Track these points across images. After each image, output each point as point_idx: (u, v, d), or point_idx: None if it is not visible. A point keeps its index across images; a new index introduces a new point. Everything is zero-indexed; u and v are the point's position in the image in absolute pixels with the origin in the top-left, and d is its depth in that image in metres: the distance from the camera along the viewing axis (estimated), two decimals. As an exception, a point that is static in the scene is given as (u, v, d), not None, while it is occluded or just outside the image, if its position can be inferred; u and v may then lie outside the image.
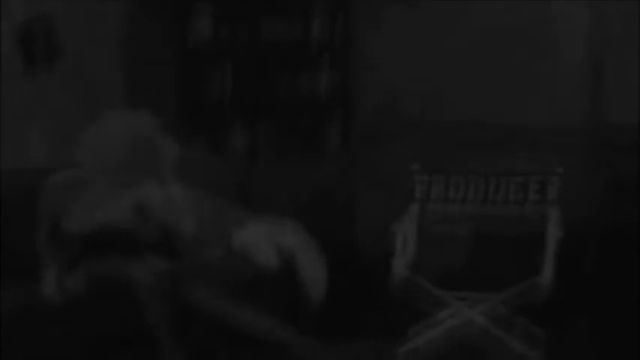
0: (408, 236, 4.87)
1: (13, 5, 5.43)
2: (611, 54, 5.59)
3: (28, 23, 5.52)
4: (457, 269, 4.83)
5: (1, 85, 5.33)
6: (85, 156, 4.51)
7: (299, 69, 6.06)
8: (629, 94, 5.49)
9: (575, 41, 5.69)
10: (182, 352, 4.37)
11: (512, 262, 4.79)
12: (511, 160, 5.18)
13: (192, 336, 4.42)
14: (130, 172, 4.50)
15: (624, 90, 5.51)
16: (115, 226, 4.45)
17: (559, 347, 4.77)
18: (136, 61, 5.90)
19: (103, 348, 4.33)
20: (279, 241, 4.81)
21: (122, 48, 5.90)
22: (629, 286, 4.96)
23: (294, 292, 4.78)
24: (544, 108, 5.61)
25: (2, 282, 4.46)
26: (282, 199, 5.55)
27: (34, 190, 4.56)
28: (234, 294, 4.57)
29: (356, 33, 6.06)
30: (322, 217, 5.29)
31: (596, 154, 5.55)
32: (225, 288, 4.57)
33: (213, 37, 5.89)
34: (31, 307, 4.37)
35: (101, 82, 5.77)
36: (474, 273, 4.82)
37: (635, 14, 5.50)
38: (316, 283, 4.80)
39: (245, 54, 5.96)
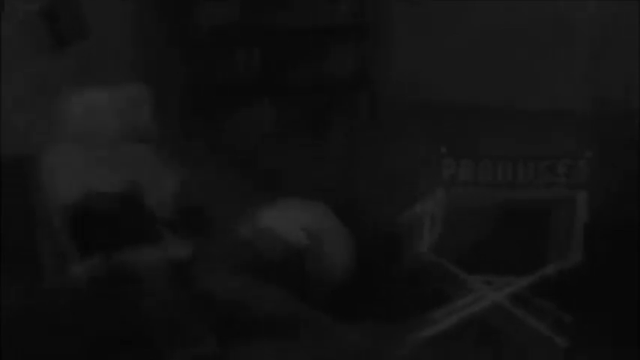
0: (434, 219, 4.85)
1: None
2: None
3: (52, 3, 5.52)
4: (483, 253, 4.80)
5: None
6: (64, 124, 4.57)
7: (325, 51, 6.07)
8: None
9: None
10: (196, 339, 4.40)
11: (538, 246, 4.77)
12: (539, 145, 5.16)
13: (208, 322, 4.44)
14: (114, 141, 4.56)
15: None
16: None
17: (585, 332, 4.74)
18: (159, 41, 5.90)
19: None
20: (307, 222, 4.83)
21: (144, 28, 5.90)
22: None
23: (319, 270, 4.80)
24: (573, 93, 5.59)
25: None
26: (308, 179, 5.56)
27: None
28: (258, 273, 4.59)
29: (382, 16, 6.07)
30: (349, 198, 5.27)
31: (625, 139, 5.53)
32: (249, 266, 4.59)
33: (240, 18, 5.87)
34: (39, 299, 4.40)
35: (121, 63, 5.77)
36: (499, 256, 4.79)
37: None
38: (341, 263, 4.82)
39: (272, 36, 5.96)
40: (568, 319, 4.82)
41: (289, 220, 4.88)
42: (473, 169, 4.97)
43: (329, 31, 6.08)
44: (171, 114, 5.81)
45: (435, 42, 5.97)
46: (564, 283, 4.72)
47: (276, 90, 6.00)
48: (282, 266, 4.76)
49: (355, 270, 4.89)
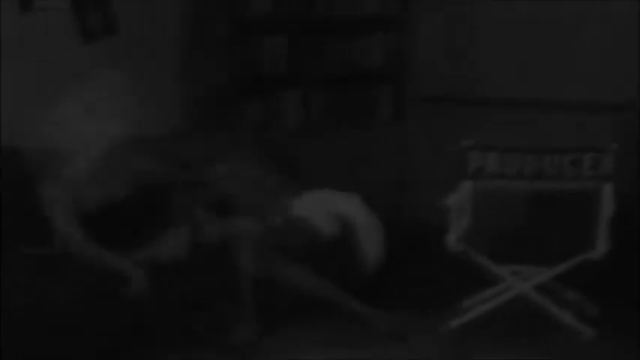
0: (462, 211, 4.91)
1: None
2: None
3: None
4: (510, 244, 4.87)
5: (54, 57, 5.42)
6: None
7: (353, 42, 6.13)
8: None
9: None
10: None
11: (565, 237, 4.83)
12: (565, 137, 5.22)
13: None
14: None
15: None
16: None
17: (612, 322, 4.81)
18: (192, 33, 5.96)
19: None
20: (339, 211, 4.93)
21: (179, 20, 5.96)
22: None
23: (351, 259, 4.89)
24: (598, 85, 5.65)
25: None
26: (336, 170, 5.63)
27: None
28: (292, 257, 4.70)
29: (409, 7, 6.13)
30: (375, 188, 5.34)
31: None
32: (284, 251, 4.70)
33: (271, 10, 5.92)
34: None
35: (157, 56, 5.84)
36: (527, 247, 4.86)
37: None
38: (373, 253, 4.91)
39: (301, 27, 6.01)
40: (595, 310, 4.89)
41: (322, 210, 4.97)
42: (499, 162, 5.02)
43: (358, 23, 6.12)
44: (206, 106, 5.88)
45: (462, 35, 6.03)
46: (591, 274, 4.80)
47: (304, 81, 6.05)
48: (315, 254, 4.86)
49: (387, 260, 4.97)
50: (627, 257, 4.95)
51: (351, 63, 6.13)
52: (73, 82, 5.13)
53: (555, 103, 5.71)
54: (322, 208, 5.01)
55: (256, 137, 5.64)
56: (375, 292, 4.95)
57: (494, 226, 4.92)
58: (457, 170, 5.06)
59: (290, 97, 6.05)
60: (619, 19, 5.73)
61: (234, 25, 5.86)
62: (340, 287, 4.75)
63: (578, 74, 5.80)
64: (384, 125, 6.20)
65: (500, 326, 4.83)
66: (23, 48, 5.31)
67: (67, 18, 5.52)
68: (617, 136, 5.08)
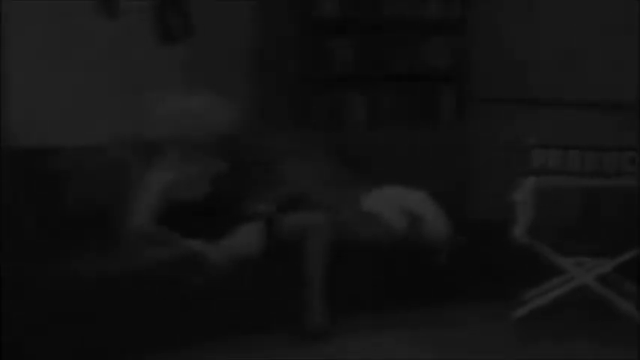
0: (527, 205, 5.16)
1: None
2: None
3: (163, 4, 5.90)
4: (573, 236, 5.12)
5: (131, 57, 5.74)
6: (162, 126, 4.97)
7: (418, 44, 6.40)
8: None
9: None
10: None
11: (623, 230, 5.07)
12: (623, 135, 5.46)
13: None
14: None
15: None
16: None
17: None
18: (263, 34, 6.24)
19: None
20: (407, 206, 5.19)
21: (250, 21, 6.24)
22: None
23: (418, 252, 5.16)
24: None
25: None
26: (401, 167, 5.88)
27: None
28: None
29: (471, 11, 6.37)
30: (438, 185, 5.58)
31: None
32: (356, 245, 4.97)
33: (338, 13, 6.20)
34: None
35: (229, 56, 6.13)
36: (588, 240, 5.11)
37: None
38: (440, 245, 5.17)
39: (367, 29, 6.28)
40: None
41: (391, 205, 5.24)
42: (561, 159, 5.27)
43: (422, 26, 6.38)
44: (276, 105, 6.16)
45: (520, 37, 6.25)
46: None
47: (371, 81, 6.32)
48: (385, 247, 5.13)
49: (454, 253, 5.23)
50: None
51: (415, 64, 6.38)
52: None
53: (616, 102, 5.89)
54: (391, 203, 5.28)
55: (326, 136, 5.92)
56: (444, 284, 5.24)
57: (557, 220, 5.17)
58: (517, 167, 5.31)
59: (357, 96, 6.33)
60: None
61: (304, 27, 6.15)
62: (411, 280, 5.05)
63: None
64: (447, 124, 6.46)
65: (563, 315, 5.09)
66: (110, 50, 5.65)
67: (149, 21, 5.85)
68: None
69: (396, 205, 5.26)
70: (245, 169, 5.23)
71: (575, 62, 6.10)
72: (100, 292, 4.48)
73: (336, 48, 6.26)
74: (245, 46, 6.24)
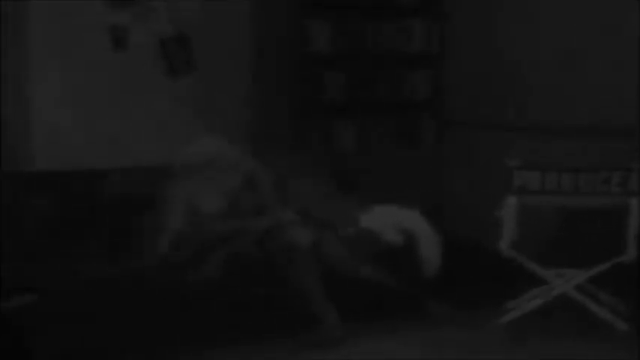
0: (510, 222, 5.64)
1: (156, 24, 6.26)
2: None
3: (169, 41, 6.33)
4: (553, 250, 5.61)
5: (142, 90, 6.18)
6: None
7: (401, 74, 6.90)
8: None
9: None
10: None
11: (599, 244, 5.56)
12: (596, 157, 5.95)
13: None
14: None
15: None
16: None
17: None
18: (260, 67, 6.70)
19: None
20: (402, 224, 5.65)
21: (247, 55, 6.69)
22: None
23: (413, 266, 5.60)
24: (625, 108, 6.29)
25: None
26: (388, 186, 6.33)
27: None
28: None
29: (451, 44, 6.87)
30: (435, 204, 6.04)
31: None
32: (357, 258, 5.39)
33: (329, 46, 6.70)
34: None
35: (229, 87, 6.57)
36: (567, 253, 5.59)
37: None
38: (432, 260, 5.63)
39: (356, 62, 6.78)
40: (625, 308, 5.59)
41: (387, 223, 5.70)
42: (540, 179, 5.75)
43: (406, 59, 6.87)
44: (272, 131, 6.62)
45: (493, 67, 6.73)
46: (623, 276, 5.52)
47: (360, 109, 6.80)
48: (381, 262, 5.58)
49: (444, 266, 5.69)
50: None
51: (400, 94, 6.88)
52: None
53: (586, 125, 6.35)
54: (388, 221, 5.74)
55: (320, 159, 6.37)
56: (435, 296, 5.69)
57: (538, 235, 5.66)
58: (499, 187, 5.77)
59: (347, 124, 6.81)
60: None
61: (298, 60, 6.65)
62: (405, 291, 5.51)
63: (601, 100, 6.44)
64: (427, 148, 6.93)
65: (546, 323, 5.55)
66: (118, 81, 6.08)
67: (155, 56, 6.28)
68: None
69: (391, 222, 5.71)
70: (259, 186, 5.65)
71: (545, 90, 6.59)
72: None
73: (328, 79, 6.74)
74: (246, 78, 6.66)
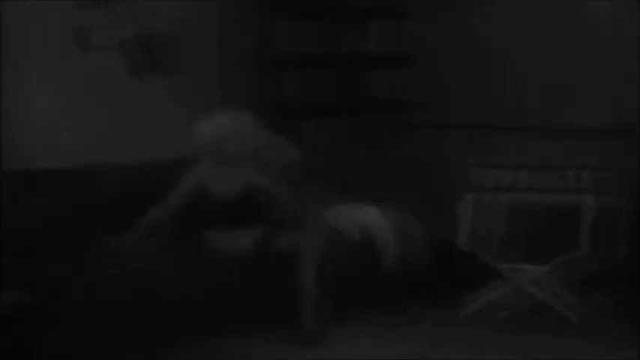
0: (467, 219, 5.78)
1: (117, 25, 6.35)
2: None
3: (130, 41, 6.42)
4: (509, 246, 5.76)
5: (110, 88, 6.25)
6: (199, 141, 5.52)
7: (361, 75, 7.01)
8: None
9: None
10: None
11: (554, 239, 5.71)
12: (553, 155, 6.09)
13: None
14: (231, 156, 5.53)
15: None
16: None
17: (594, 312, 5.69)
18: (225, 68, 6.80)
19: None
20: (361, 221, 5.77)
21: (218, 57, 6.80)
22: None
23: (373, 261, 5.72)
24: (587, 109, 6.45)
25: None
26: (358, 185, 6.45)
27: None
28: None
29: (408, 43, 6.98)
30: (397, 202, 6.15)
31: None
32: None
33: (291, 48, 6.83)
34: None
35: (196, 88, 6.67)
36: (524, 249, 5.74)
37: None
38: (390, 255, 5.75)
39: (317, 64, 6.90)
40: (578, 302, 5.73)
41: (346, 219, 5.82)
42: (496, 177, 5.89)
43: (371, 60, 6.98)
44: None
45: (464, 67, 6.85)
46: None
47: (324, 110, 6.92)
48: (343, 257, 5.68)
49: (403, 261, 5.80)
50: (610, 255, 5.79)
51: (365, 95, 6.99)
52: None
53: (544, 125, 6.45)
54: (346, 217, 5.86)
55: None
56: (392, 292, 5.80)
57: (495, 231, 5.80)
58: (462, 185, 5.90)
59: (310, 125, 6.93)
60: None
61: (261, 62, 6.78)
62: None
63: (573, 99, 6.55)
64: (392, 148, 7.03)
65: (501, 315, 5.70)
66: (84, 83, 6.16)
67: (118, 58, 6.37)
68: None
69: (349, 219, 5.83)
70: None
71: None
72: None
73: (290, 81, 6.86)
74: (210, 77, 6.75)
